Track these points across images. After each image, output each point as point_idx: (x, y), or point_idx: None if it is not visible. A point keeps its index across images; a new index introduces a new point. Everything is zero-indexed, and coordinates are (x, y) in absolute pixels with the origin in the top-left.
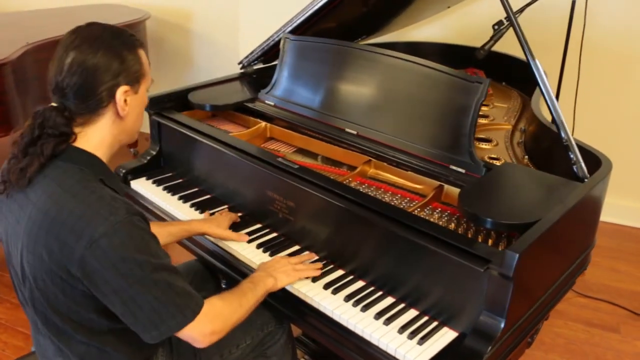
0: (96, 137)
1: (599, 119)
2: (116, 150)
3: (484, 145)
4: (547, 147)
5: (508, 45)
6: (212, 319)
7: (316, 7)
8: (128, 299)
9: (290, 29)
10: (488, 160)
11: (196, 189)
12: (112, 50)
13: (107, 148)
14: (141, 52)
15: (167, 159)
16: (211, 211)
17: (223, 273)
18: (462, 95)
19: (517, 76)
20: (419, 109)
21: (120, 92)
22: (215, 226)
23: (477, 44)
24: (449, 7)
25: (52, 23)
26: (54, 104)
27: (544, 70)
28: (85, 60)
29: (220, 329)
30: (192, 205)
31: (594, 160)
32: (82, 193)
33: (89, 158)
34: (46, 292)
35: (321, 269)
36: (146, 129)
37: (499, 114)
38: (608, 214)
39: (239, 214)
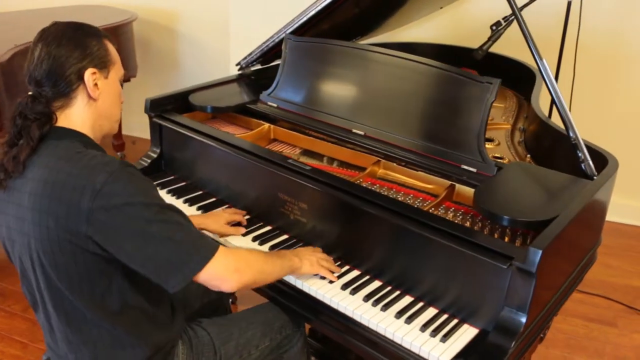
0: (76, 119)
1: (594, 120)
2: (100, 137)
3: (486, 145)
4: (549, 145)
5: (503, 46)
6: (235, 258)
7: (319, 8)
8: (142, 243)
9: (290, 30)
10: (492, 159)
11: (201, 192)
12: (74, 39)
13: (90, 130)
14: (106, 42)
15: (169, 161)
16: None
17: None
18: (473, 96)
19: (510, 76)
20: (429, 110)
21: (88, 74)
22: (213, 222)
23: (469, 44)
24: (441, 7)
25: (40, 24)
26: (30, 93)
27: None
28: (51, 49)
29: (244, 269)
30: (198, 209)
31: (600, 159)
32: (76, 157)
33: (78, 134)
34: (57, 266)
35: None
36: (132, 131)
37: (497, 113)
38: None
39: (247, 217)
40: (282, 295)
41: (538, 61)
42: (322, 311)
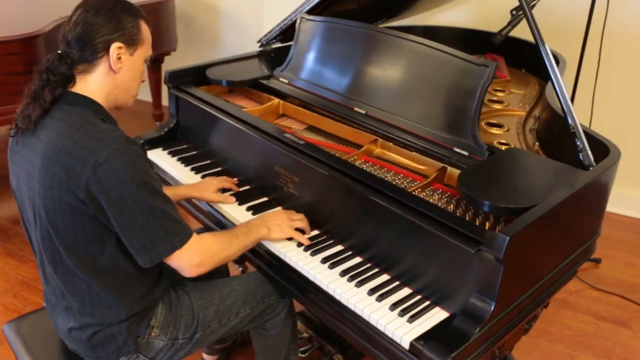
0: (94, 85)
1: (619, 110)
2: (113, 107)
3: (495, 131)
4: (558, 134)
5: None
6: (201, 251)
7: None
8: (125, 220)
9: (307, 8)
10: (497, 145)
11: (208, 161)
12: (111, 12)
13: (105, 98)
14: (142, 22)
15: (184, 131)
16: None
17: None
18: (468, 78)
19: (535, 63)
20: (426, 91)
21: (114, 47)
22: (203, 189)
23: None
24: None
25: None
26: (58, 52)
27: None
28: (87, 16)
29: (208, 262)
30: (203, 177)
31: (603, 149)
32: (85, 126)
33: (90, 101)
34: (56, 223)
35: (310, 239)
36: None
37: (514, 100)
38: (625, 207)
39: (246, 187)
40: (267, 266)
41: (540, 47)
42: (302, 284)
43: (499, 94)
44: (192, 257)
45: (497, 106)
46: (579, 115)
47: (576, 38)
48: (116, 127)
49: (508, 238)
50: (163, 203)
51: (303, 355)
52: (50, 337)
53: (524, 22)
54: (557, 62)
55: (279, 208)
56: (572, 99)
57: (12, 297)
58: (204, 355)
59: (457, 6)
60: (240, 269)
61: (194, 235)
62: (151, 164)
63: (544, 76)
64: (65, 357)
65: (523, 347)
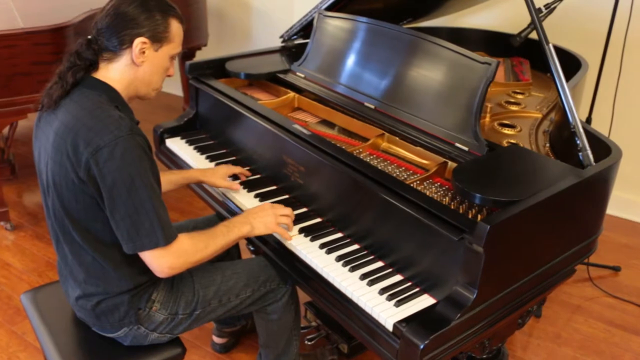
0: (115, 73)
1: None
2: (133, 96)
3: (506, 131)
4: (568, 136)
5: (556, 37)
6: (176, 256)
7: None
8: (115, 206)
9: (326, 5)
10: (506, 144)
11: (224, 151)
12: (143, 6)
13: (125, 88)
14: (173, 21)
15: (202, 121)
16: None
17: None
18: (471, 76)
19: (563, 67)
20: (432, 88)
21: (138, 41)
22: (211, 175)
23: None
24: None
25: None
26: (89, 37)
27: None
28: (120, 6)
29: (179, 266)
30: (216, 165)
31: (605, 149)
32: (96, 111)
33: (108, 88)
34: (62, 197)
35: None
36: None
37: (532, 102)
38: None
39: (257, 176)
40: (271, 251)
41: (544, 45)
42: (301, 269)
43: (519, 96)
44: (166, 261)
45: (513, 107)
46: (599, 120)
47: (598, 43)
48: (127, 116)
49: (488, 227)
50: (154, 198)
51: (309, 343)
52: (62, 307)
53: (548, 25)
54: (579, 66)
55: (266, 202)
56: (592, 104)
57: (38, 276)
58: (214, 338)
59: (489, 8)
60: None
61: (177, 238)
62: (152, 159)
63: (567, 80)
64: (75, 326)
65: (529, 348)
